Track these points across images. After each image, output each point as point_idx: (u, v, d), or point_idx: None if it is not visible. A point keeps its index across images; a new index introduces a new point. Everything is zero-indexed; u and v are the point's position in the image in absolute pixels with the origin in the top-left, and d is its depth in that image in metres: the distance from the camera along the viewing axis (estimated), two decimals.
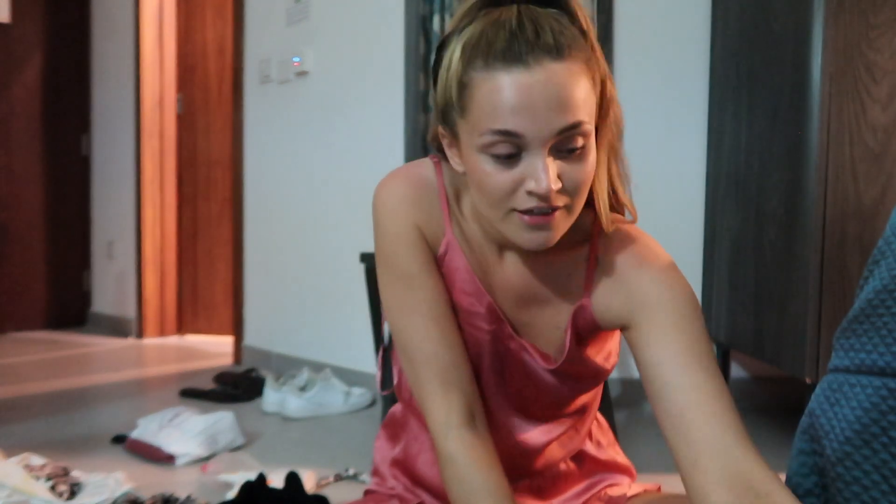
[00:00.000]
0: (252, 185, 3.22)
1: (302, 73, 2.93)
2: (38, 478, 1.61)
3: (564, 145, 0.70)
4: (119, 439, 2.05)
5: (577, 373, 0.86)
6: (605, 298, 0.81)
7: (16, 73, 3.97)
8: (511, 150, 0.70)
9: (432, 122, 0.81)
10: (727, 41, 2.31)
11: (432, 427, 0.81)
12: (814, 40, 1.76)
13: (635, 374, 2.48)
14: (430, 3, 2.49)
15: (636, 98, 2.49)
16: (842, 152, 1.74)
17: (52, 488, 1.59)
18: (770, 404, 2.51)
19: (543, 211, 0.71)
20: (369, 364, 2.61)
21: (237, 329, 3.27)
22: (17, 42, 3.97)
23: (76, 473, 1.69)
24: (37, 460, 1.73)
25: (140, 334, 3.87)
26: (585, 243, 0.83)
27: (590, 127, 0.71)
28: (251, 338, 3.23)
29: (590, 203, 0.80)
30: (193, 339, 3.87)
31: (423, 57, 2.52)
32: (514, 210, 0.72)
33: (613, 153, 0.78)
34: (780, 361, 1.94)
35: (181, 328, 3.98)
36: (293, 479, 1.48)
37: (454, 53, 0.72)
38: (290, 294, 3.04)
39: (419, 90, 2.53)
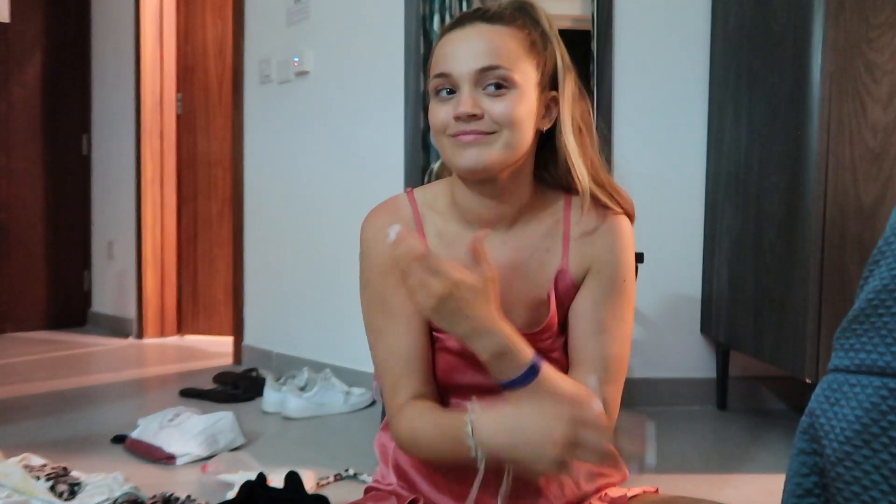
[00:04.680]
0: (252, 185, 3.22)
1: (302, 73, 2.93)
2: (38, 478, 1.61)
3: (485, 82, 0.87)
4: (119, 439, 2.05)
5: (554, 343, 0.95)
6: (577, 264, 0.95)
7: (16, 73, 3.97)
8: (447, 87, 0.88)
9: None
10: (727, 41, 2.31)
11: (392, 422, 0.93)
12: (814, 40, 1.76)
13: (635, 374, 2.48)
14: (430, 3, 2.49)
15: (636, 98, 2.49)
16: (842, 152, 1.74)
17: (52, 488, 1.58)
18: (770, 404, 2.51)
19: (470, 131, 0.86)
20: (369, 364, 2.61)
21: (237, 329, 3.27)
22: (17, 42, 3.97)
23: (76, 473, 1.69)
24: (37, 460, 1.73)
25: (140, 334, 3.87)
26: (560, 220, 0.96)
27: (513, 76, 0.87)
28: (251, 338, 3.22)
29: (562, 185, 0.95)
30: (193, 339, 3.87)
31: (423, 57, 2.52)
32: (450, 136, 0.89)
33: (586, 137, 0.93)
34: (780, 361, 1.94)
35: (181, 328, 3.98)
36: (293, 479, 1.48)
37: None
38: (290, 294, 3.03)
39: (419, 90, 2.53)
